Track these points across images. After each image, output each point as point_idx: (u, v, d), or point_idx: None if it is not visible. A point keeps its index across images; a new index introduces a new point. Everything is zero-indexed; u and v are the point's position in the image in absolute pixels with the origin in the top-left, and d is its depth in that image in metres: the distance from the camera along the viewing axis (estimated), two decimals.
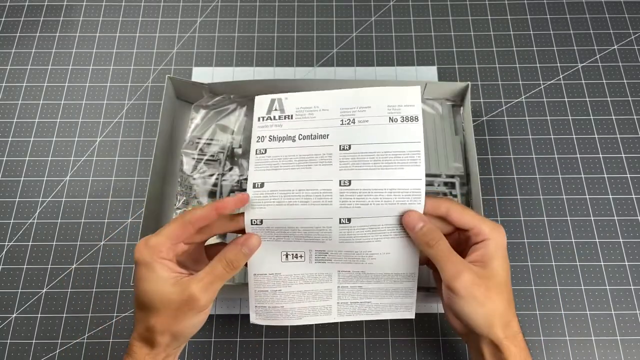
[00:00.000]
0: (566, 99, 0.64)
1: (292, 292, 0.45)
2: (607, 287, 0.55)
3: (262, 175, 0.43)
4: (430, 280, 0.52)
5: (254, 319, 0.45)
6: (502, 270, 0.41)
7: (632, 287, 0.55)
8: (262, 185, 0.42)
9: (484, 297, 0.40)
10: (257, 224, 0.42)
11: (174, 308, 0.38)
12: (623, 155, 0.61)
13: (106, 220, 0.58)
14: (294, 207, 0.42)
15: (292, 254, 0.44)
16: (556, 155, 0.61)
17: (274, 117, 0.46)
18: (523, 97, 0.64)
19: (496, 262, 0.41)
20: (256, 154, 0.44)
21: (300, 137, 0.44)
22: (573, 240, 0.57)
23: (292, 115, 0.45)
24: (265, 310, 0.45)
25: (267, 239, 0.43)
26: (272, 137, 0.45)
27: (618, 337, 0.53)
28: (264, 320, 0.45)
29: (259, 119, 0.46)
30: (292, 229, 0.43)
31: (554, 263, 0.56)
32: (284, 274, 0.44)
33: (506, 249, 0.42)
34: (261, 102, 0.46)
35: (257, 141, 0.45)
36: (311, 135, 0.44)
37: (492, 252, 0.41)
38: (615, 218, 0.58)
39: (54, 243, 0.57)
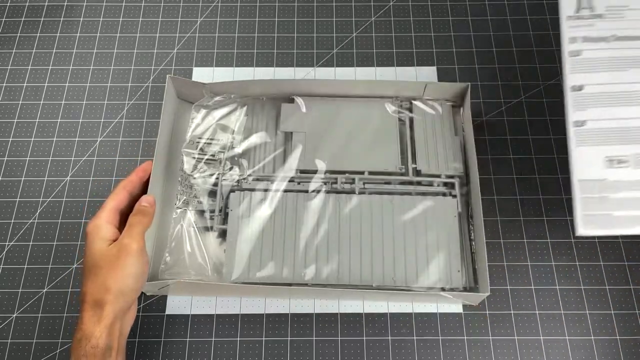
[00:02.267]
0: None
1: (620, 199, 0.43)
2: (607, 287, 0.55)
3: (580, 77, 0.44)
4: (433, 281, 0.53)
5: (581, 230, 0.43)
6: None
7: (631, 287, 0.55)
8: (580, 88, 0.44)
9: None
10: (579, 126, 0.44)
11: (114, 259, 0.44)
12: None
13: None
14: (617, 109, 0.43)
15: (617, 159, 0.44)
16: (555, 155, 0.61)
17: (584, 16, 0.46)
18: (523, 97, 0.64)
19: None
20: (570, 56, 0.45)
21: (614, 38, 0.45)
22: (572, 240, 0.57)
23: (602, 15, 0.45)
24: (594, 219, 0.43)
25: (588, 143, 0.43)
26: (585, 38, 0.45)
27: (617, 337, 0.53)
28: (594, 230, 0.43)
29: (568, 17, 0.46)
30: (620, 129, 0.43)
31: (553, 263, 0.56)
32: (611, 180, 0.43)
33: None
34: None
35: (570, 42, 0.45)
36: (626, 36, 0.45)
37: None
38: None
39: (55, 243, 0.57)
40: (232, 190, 0.56)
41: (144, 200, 0.49)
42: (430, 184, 0.57)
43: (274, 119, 0.60)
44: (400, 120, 0.60)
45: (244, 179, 0.56)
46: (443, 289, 0.52)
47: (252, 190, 0.56)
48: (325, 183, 0.57)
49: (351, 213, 0.55)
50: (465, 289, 0.53)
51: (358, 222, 0.54)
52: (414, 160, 0.58)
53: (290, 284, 0.52)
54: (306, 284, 0.52)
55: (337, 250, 0.53)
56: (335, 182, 0.56)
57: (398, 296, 0.53)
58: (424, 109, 0.60)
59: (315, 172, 0.57)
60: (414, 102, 0.60)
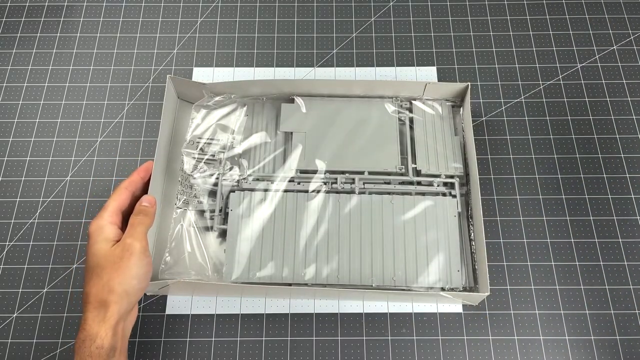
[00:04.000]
0: (565, 99, 0.64)
1: None
2: (607, 287, 0.55)
3: None
4: (433, 281, 0.53)
5: None
6: None
7: (631, 286, 0.55)
8: None
9: None
10: None
11: (118, 260, 0.44)
12: (622, 156, 0.61)
13: None
14: None
15: None
16: (555, 156, 0.61)
17: None
18: (522, 97, 0.64)
19: None
20: None
21: None
22: (572, 240, 0.57)
23: None
24: None
25: None
26: None
27: (617, 337, 0.53)
28: None
29: None
30: None
31: (552, 263, 0.56)
32: None
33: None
34: None
35: None
36: None
37: None
38: (615, 218, 0.58)
39: (55, 243, 0.57)
40: (232, 190, 0.56)
41: (145, 200, 0.49)
42: (430, 184, 0.57)
43: (274, 119, 0.60)
44: (400, 120, 0.60)
45: (243, 179, 0.56)
46: (443, 289, 0.52)
47: (252, 190, 0.56)
48: (325, 183, 0.57)
49: (351, 213, 0.55)
50: (465, 289, 0.53)
51: (358, 222, 0.55)
52: (414, 160, 0.58)
53: (290, 284, 0.52)
54: (306, 284, 0.52)
55: (337, 250, 0.53)
56: (335, 182, 0.56)
57: (398, 296, 0.53)
58: (424, 109, 0.60)
59: (315, 172, 0.57)
60: (413, 102, 0.60)
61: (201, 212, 0.56)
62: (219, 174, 0.57)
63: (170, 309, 0.54)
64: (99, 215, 0.47)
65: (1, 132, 0.63)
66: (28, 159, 0.61)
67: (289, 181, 0.56)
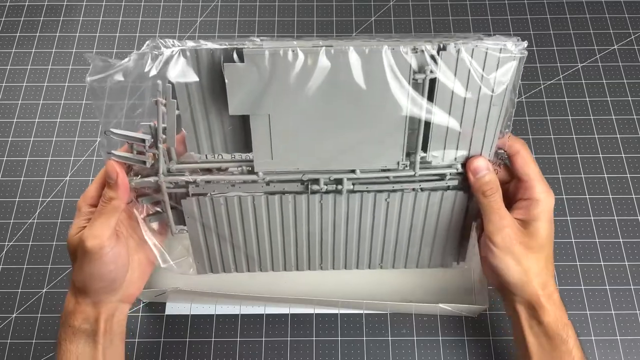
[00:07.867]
0: (566, 99, 0.64)
1: None
2: (607, 287, 0.55)
3: None
4: (434, 299, 0.51)
5: None
6: (544, 232, 0.42)
7: (632, 287, 0.55)
8: None
9: (521, 255, 0.41)
10: None
11: (77, 253, 0.39)
12: (623, 155, 0.61)
13: None
14: None
15: None
16: (556, 155, 0.61)
17: None
18: (523, 97, 0.64)
19: (539, 224, 0.41)
20: None
21: None
22: (573, 240, 0.57)
23: None
24: None
25: None
26: None
27: (618, 337, 0.53)
28: None
29: None
30: None
31: (553, 263, 0.56)
32: None
33: (552, 213, 0.42)
34: None
35: None
36: None
37: (537, 213, 0.42)
38: (615, 218, 0.58)
39: (54, 243, 0.57)
40: (182, 197, 0.42)
41: (107, 171, 0.40)
42: (442, 178, 0.43)
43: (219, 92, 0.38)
44: (414, 80, 0.37)
45: (192, 182, 0.42)
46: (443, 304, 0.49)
47: (205, 195, 0.42)
48: (302, 182, 0.42)
49: (337, 219, 0.44)
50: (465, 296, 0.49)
51: (345, 227, 0.45)
52: (425, 147, 0.40)
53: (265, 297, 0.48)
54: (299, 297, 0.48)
55: (331, 261, 0.47)
56: (317, 183, 0.42)
57: (397, 307, 0.52)
58: (457, 61, 0.37)
59: (287, 172, 0.42)
60: (447, 46, 0.37)
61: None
62: (159, 178, 0.41)
63: (169, 309, 0.54)
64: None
65: (0, 132, 0.63)
66: (27, 158, 0.61)
67: (254, 182, 0.42)
